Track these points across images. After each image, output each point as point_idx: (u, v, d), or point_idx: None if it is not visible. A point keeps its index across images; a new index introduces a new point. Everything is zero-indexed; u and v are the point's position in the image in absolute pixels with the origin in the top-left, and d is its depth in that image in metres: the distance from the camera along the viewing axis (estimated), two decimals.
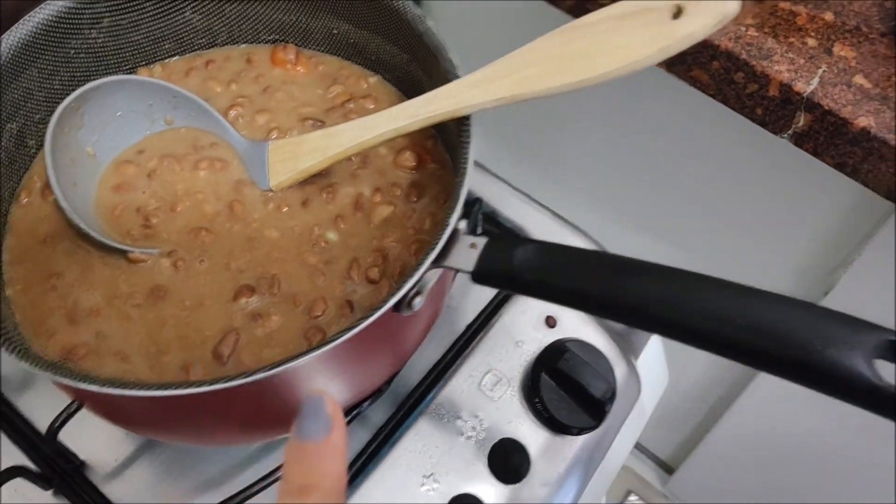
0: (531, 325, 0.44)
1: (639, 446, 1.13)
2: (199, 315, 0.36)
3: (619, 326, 0.45)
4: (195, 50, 0.44)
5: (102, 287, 0.37)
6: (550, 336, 0.43)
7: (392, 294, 0.30)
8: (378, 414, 0.42)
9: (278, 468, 0.40)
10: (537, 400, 0.41)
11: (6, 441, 0.42)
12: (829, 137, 0.50)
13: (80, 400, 0.37)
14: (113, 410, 0.35)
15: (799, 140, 0.51)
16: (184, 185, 0.40)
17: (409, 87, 0.42)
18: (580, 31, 0.32)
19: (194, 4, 0.42)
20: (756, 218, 0.67)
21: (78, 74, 0.40)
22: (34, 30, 0.38)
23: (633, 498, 1.15)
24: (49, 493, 0.41)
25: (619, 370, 0.44)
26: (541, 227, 0.48)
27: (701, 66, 0.53)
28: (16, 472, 0.39)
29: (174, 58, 0.44)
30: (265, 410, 0.35)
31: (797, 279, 0.68)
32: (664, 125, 0.67)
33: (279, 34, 0.44)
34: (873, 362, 0.26)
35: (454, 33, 0.79)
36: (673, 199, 0.72)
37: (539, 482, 0.41)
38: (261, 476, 0.40)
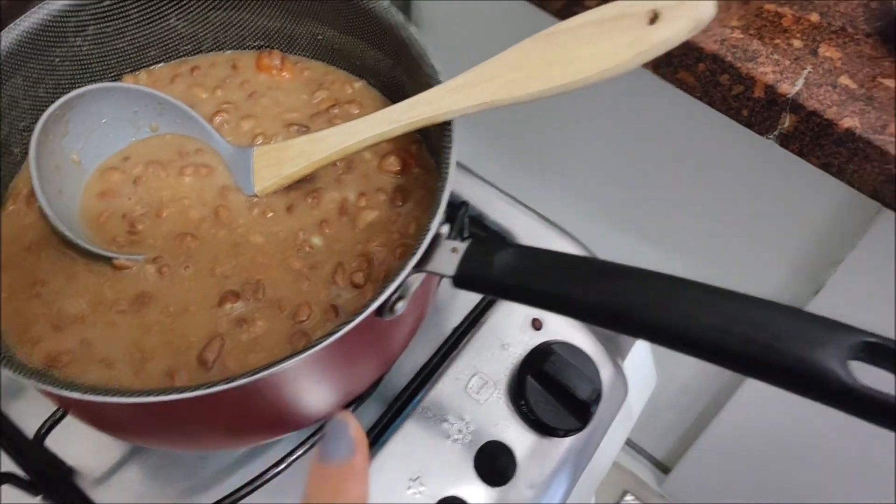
0: (517, 327, 0.44)
1: (634, 446, 1.13)
2: (183, 321, 0.36)
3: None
4: (180, 56, 0.44)
5: (87, 294, 0.37)
6: (536, 338, 0.44)
7: (373, 299, 0.30)
8: (365, 417, 0.42)
9: (266, 471, 0.40)
10: (523, 402, 0.41)
11: None
12: (814, 138, 0.50)
13: (65, 407, 0.37)
14: (98, 417, 0.35)
15: (785, 141, 0.52)
16: (169, 191, 0.40)
17: (394, 92, 0.42)
18: (558, 36, 0.32)
19: (179, 12, 0.42)
20: (746, 218, 0.67)
21: (63, 82, 0.40)
22: (19, 38, 0.38)
23: (629, 498, 1.15)
24: (38, 499, 0.41)
25: (606, 372, 0.44)
26: (528, 230, 0.48)
27: (687, 68, 0.53)
28: (4, 478, 0.39)
29: (159, 64, 0.44)
30: (251, 415, 0.36)
31: (788, 279, 0.68)
32: (653, 127, 0.67)
33: (264, 40, 0.45)
34: (848, 363, 0.26)
35: (444, 34, 0.79)
36: (662, 200, 0.72)
37: (526, 484, 0.41)
38: (248, 480, 0.40)
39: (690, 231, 0.73)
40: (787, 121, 0.50)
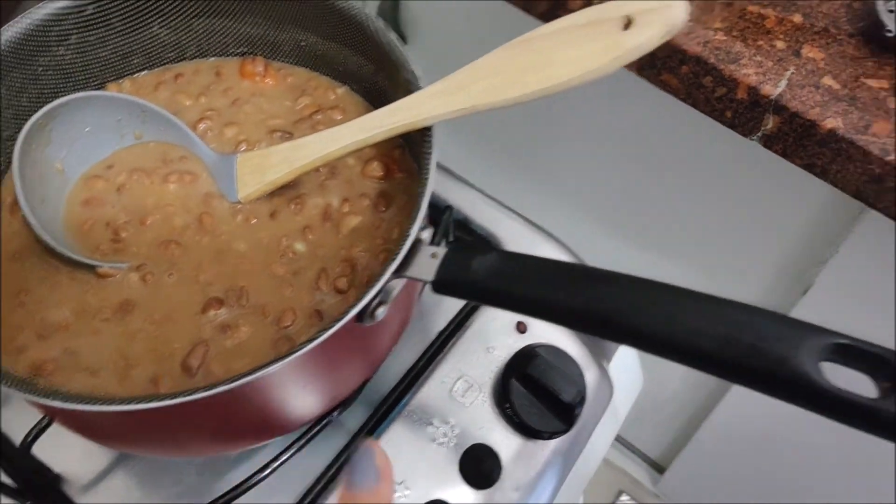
0: (502, 330, 0.44)
1: (629, 446, 1.13)
2: (167, 328, 0.37)
3: None
4: (164, 64, 0.45)
5: (71, 302, 0.37)
6: (521, 342, 0.44)
7: (352, 306, 0.31)
8: (351, 421, 0.43)
9: (253, 476, 0.40)
10: (508, 405, 0.42)
11: None
12: (797, 139, 0.50)
13: (50, 415, 0.37)
14: (82, 425, 0.36)
15: (768, 142, 0.52)
16: (153, 198, 0.40)
17: (377, 98, 0.43)
18: (534, 42, 0.32)
19: (162, 20, 0.42)
20: (732, 219, 0.68)
21: (46, 91, 0.41)
22: (1, 49, 0.38)
23: (624, 498, 1.15)
24: None
25: (591, 374, 0.44)
26: (513, 235, 0.48)
27: (670, 70, 0.53)
28: None
29: (143, 72, 0.44)
30: (236, 421, 0.36)
31: (775, 279, 0.69)
32: (639, 129, 0.67)
33: (248, 47, 0.45)
34: (819, 365, 0.26)
35: (433, 36, 0.79)
36: (649, 202, 0.73)
37: (511, 486, 0.41)
38: (235, 484, 0.40)
39: (677, 232, 0.73)
40: (770, 122, 0.51)
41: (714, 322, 0.27)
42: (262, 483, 0.40)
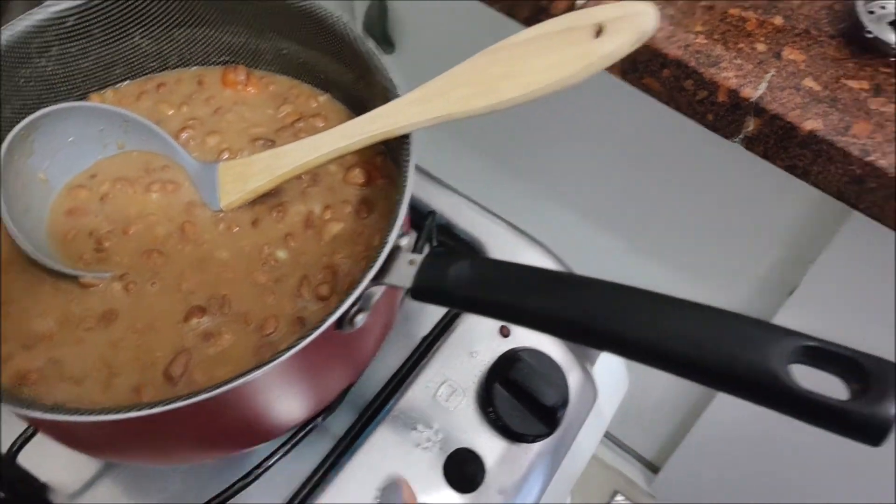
0: (486, 335, 0.45)
1: (623, 446, 1.14)
2: (150, 337, 0.37)
3: None
4: (146, 73, 0.45)
5: (55, 312, 0.37)
6: (504, 346, 0.44)
7: (330, 314, 0.31)
8: (335, 426, 0.43)
9: (237, 482, 0.40)
10: (491, 409, 0.42)
11: None
12: (778, 141, 0.51)
13: (34, 425, 0.38)
14: (66, 435, 0.36)
15: (750, 144, 0.52)
16: (136, 208, 0.41)
17: (358, 106, 0.43)
18: (508, 50, 0.32)
19: (143, 30, 0.43)
20: (720, 221, 0.68)
21: (29, 102, 0.41)
22: None
23: (619, 498, 1.15)
24: None
25: (574, 377, 0.44)
26: (497, 239, 0.49)
27: (652, 74, 0.53)
28: None
29: (125, 82, 0.45)
30: (219, 429, 0.36)
31: (763, 280, 0.69)
32: (625, 133, 0.68)
33: (230, 56, 0.45)
34: (789, 367, 0.27)
35: (419, 40, 0.80)
36: (635, 205, 0.73)
37: (496, 489, 0.42)
38: (220, 490, 0.40)
39: (664, 234, 0.73)
40: (751, 124, 0.51)
41: (686, 326, 0.27)
42: (247, 489, 0.40)
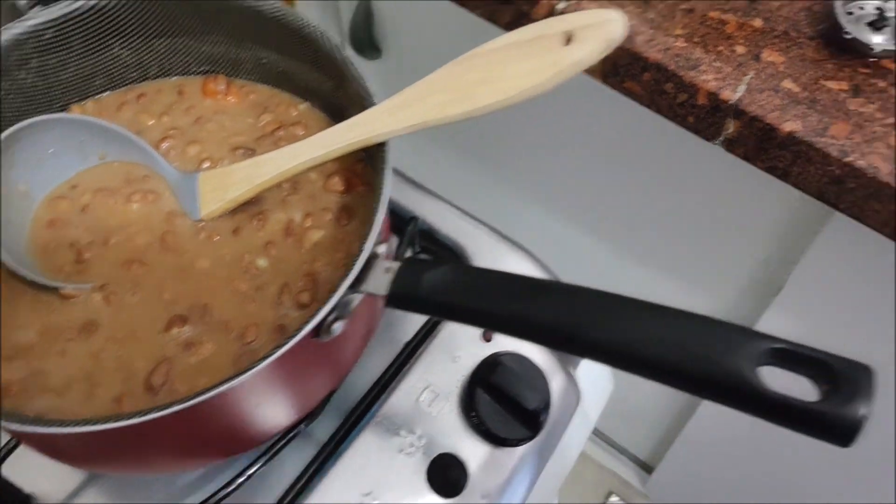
0: (468, 340, 0.45)
1: (617, 447, 1.14)
2: (130, 347, 0.37)
3: None
4: (127, 84, 0.45)
5: (36, 323, 0.38)
6: (486, 350, 0.44)
7: (305, 323, 0.31)
8: (318, 433, 0.43)
9: (221, 490, 0.40)
10: (474, 414, 0.42)
11: None
12: (758, 143, 0.51)
13: (16, 437, 0.38)
14: (48, 447, 0.36)
15: (730, 146, 0.53)
16: (117, 218, 0.41)
17: (338, 114, 0.43)
18: (481, 58, 0.33)
19: (122, 41, 0.43)
20: (706, 222, 0.68)
21: (9, 115, 0.41)
22: None
23: (614, 499, 1.16)
24: None
25: (557, 381, 0.45)
26: (479, 244, 0.49)
27: (633, 77, 0.54)
28: None
29: (106, 93, 0.45)
30: (199, 438, 0.36)
31: (749, 280, 0.69)
32: (612, 136, 0.68)
33: (210, 65, 0.45)
34: (758, 369, 0.27)
35: (405, 46, 0.80)
36: (622, 208, 0.73)
37: (479, 494, 0.42)
38: (206, 498, 0.40)
39: (649, 238, 0.74)
40: (731, 126, 0.51)
41: (656, 331, 0.28)
42: (231, 496, 0.40)
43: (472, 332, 0.45)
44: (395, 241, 0.47)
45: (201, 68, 0.45)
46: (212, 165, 0.42)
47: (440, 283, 0.31)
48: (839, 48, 0.53)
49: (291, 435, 0.41)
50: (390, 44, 0.82)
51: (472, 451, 0.42)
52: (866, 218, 0.50)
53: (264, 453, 0.41)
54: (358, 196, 0.42)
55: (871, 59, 0.52)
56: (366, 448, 0.42)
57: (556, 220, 0.80)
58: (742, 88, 0.50)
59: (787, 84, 0.51)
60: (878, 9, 0.54)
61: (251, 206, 0.41)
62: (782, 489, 0.87)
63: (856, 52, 0.53)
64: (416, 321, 0.47)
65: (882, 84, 0.51)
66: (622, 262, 0.78)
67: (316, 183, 0.42)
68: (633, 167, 0.69)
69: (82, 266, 0.39)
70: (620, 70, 0.54)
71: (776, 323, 0.68)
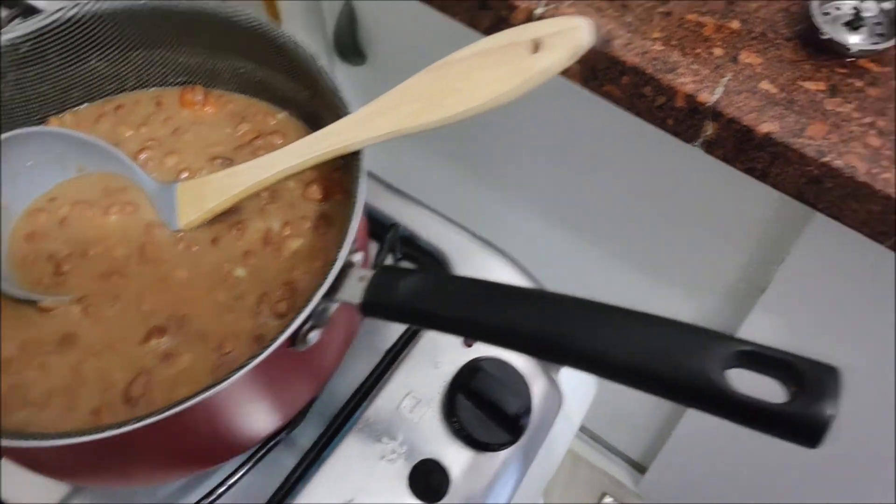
0: (449, 345, 0.45)
1: (610, 447, 1.14)
2: (109, 359, 0.37)
3: None
4: (105, 96, 0.45)
5: (16, 338, 0.38)
6: (467, 356, 0.44)
7: (280, 333, 0.31)
8: (303, 438, 0.43)
9: (206, 497, 0.40)
10: (455, 419, 0.42)
11: None
12: (736, 144, 0.51)
13: None
14: (28, 460, 0.36)
15: (710, 148, 0.53)
16: (95, 230, 0.41)
17: (315, 122, 0.43)
18: (451, 67, 0.33)
19: (99, 53, 0.43)
20: (688, 224, 0.69)
21: None
22: None
23: (607, 500, 1.16)
24: None
25: (538, 384, 0.45)
26: (461, 250, 0.49)
27: (612, 81, 0.54)
28: None
29: (84, 105, 0.45)
30: (177, 449, 0.36)
31: (734, 281, 0.70)
32: (595, 140, 0.68)
33: (187, 76, 0.45)
34: (727, 372, 0.27)
35: (389, 51, 0.80)
36: (605, 211, 0.73)
37: (462, 498, 0.42)
38: None
39: (633, 240, 0.74)
40: (709, 128, 0.52)
41: (625, 336, 0.28)
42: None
43: (454, 338, 0.45)
44: (375, 248, 0.47)
45: (179, 79, 0.46)
46: (190, 176, 0.43)
47: (415, 291, 0.32)
48: (816, 49, 0.53)
49: (273, 443, 0.41)
50: (375, 50, 0.82)
51: (455, 456, 0.43)
52: (845, 217, 0.50)
53: (245, 462, 0.41)
54: (336, 204, 0.42)
55: (849, 59, 0.53)
56: (348, 455, 0.42)
57: (539, 224, 0.80)
58: (719, 90, 0.51)
59: (765, 85, 0.52)
60: (855, 9, 0.54)
61: (230, 216, 0.41)
62: (775, 488, 0.87)
63: (833, 52, 0.53)
64: (398, 328, 0.47)
65: (859, 84, 0.52)
66: (605, 265, 0.78)
67: (294, 191, 0.42)
68: (616, 170, 0.69)
69: (61, 278, 0.39)
70: (599, 74, 0.54)
71: (762, 323, 0.68)
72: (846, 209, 0.50)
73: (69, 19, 0.41)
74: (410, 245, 0.50)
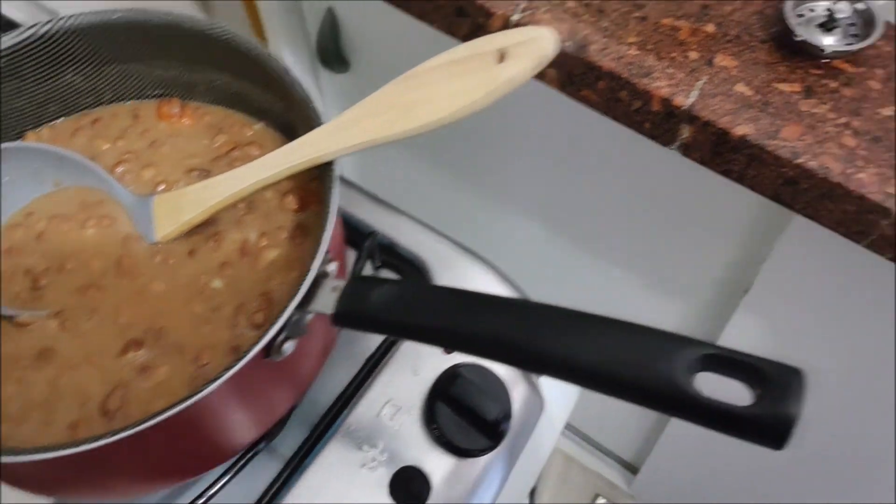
0: (429, 352, 0.45)
1: (602, 448, 1.15)
2: (86, 373, 0.37)
3: None
4: (82, 110, 0.45)
5: None
6: (446, 362, 0.45)
7: (253, 345, 0.31)
8: (284, 447, 0.43)
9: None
10: (435, 426, 0.43)
11: None
12: (712, 147, 0.52)
13: None
14: (8, 475, 0.36)
15: (687, 151, 0.53)
16: (72, 244, 0.41)
17: (292, 133, 0.43)
18: (419, 78, 0.33)
19: (75, 68, 0.43)
20: (670, 227, 0.69)
21: None
22: None
23: (600, 501, 1.16)
24: None
25: (518, 390, 0.45)
26: (441, 257, 0.49)
27: (588, 86, 0.54)
28: None
29: (61, 119, 0.45)
30: (155, 461, 0.36)
31: (717, 282, 0.70)
32: (577, 144, 0.69)
33: (163, 89, 0.46)
34: (694, 376, 0.27)
35: (373, 59, 0.80)
36: (586, 215, 0.74)
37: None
38: None
39: (616, 244, 0.74)
40: (686, 132, 0.52)
41: (593, 342, 0.28)
42: None
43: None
44: (354, 257, 0.47)
45: (155, 92, 0.46)
46: (167, 188, 0.43)
47: (387, 301, 0.32)
48: (791, 51, 0.54)
49: (253, 453, 0.41)
50: (358, 57, 0.82)
51: (435, 463, 0.43)
52: (821, 218, 0.51)
53: (227, 472, 0.41)
54: (313, 214, 0.42)
55: (823, 61, 0.53)
56: (329, 463, 0.42)
57: (520, 230, 0.81)
58: (695, 94, 0.51)
59: (740, 88, 0.52)
60: (828, 10, 0.55)
61: (207, 227, 0.41)
62: (768, 487, 0.87)
63: (807, 54, 0.53)
64: (377, 336, 0.47)
65: (834, 84, 0.52)
66: (588, 269, 0.78)
67: (271, 202, 0.43)
68: (598, 174, 0.69)
69: (38, 293, 0.39)
70: (576, 79, 0.55)
71: (746, 323, 0.69)
72: (822, 209, 0.50)
73: (43, 35, 0.41)
74: (390, 253, 0.50)
